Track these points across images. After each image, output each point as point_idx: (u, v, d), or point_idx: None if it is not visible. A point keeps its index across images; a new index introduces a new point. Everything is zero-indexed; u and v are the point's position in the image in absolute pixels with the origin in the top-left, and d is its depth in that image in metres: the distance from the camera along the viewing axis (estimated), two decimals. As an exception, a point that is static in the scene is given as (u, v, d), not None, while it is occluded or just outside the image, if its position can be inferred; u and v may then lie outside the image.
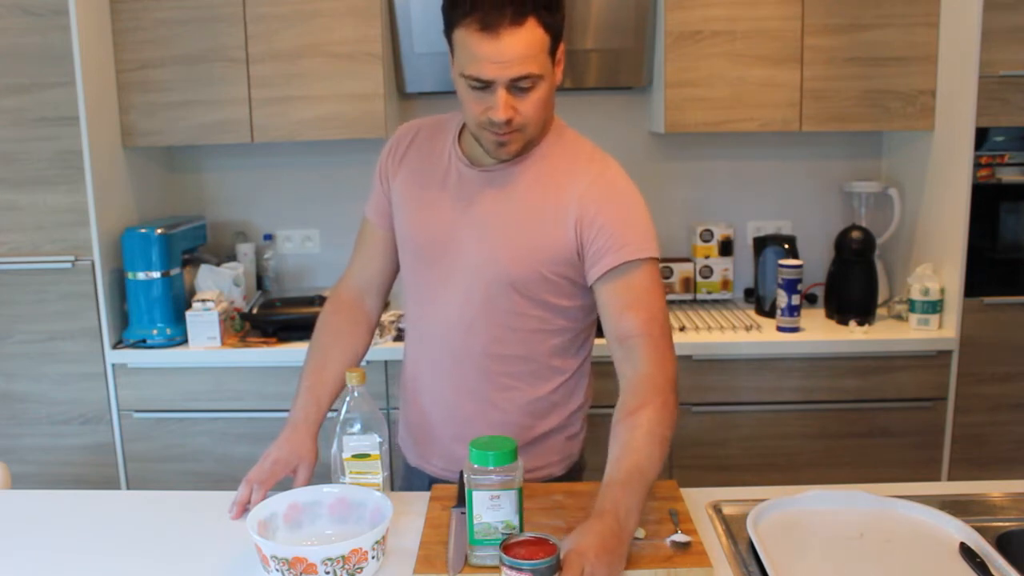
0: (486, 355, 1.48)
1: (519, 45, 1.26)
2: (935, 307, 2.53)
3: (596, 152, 1.46)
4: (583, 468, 1.65)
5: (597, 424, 2.48)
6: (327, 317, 1.60)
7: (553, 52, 1.33)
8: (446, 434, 1.54)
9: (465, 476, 1.19)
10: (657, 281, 1.39)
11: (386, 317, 2.56)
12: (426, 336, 1.54)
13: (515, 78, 1.29)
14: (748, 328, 2.59)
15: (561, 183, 1.41)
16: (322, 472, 1.44)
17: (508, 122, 1.32)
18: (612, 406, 2.66)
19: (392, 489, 1.52)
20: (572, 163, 1.43)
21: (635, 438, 1.27)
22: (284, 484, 1.41)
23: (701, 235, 2.89)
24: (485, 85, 1.30)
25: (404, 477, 1.67)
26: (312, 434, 1.47)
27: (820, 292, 2.81)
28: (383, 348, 2.46)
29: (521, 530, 1.20)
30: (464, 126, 1.49)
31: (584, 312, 1.49)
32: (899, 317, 2.68)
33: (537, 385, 1.50)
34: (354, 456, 1.38)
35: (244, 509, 1.38)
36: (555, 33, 1.31)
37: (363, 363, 2.45)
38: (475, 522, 1.19)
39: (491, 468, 1.17)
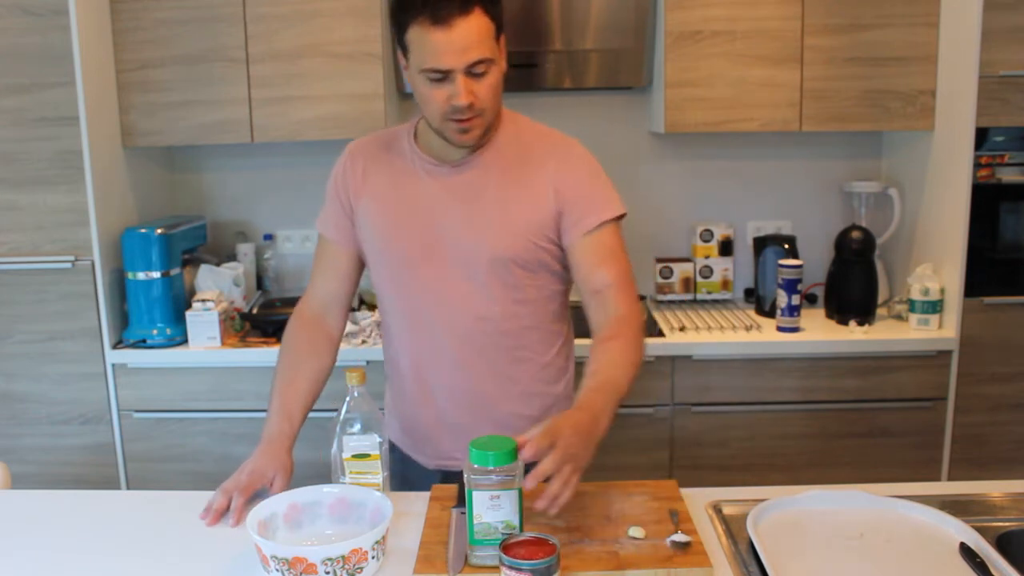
0: (499, 332, 1.54)
1: (470, 32, 1.36)
2: (935, 307, 2.53)
3: (554, 131, 1.58)
4: None
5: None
6: (293, 335, 1.64)
7: (498, 39, 1.43)
8: (472, 424, 1.56)
9: (465, 476, 1.19)
10: (622, 239, 1.54)
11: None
12: (427, 335, 1.56)
13: (471, 63, 1.38)
14: (748, 328, 2.59)
15: (533, 160, 1.53)
16: (322, 472, 1.44)
17: (470, 106, 1.40)
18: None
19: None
20: (538, 143, 1.55)
21: (610, 358, 1.43)
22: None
23: (701, 235, 2.89)
24: (444, 75, 1.38)
25: (406, 481, 1.67)
26: (287, 447, 1.50)
27: (820, 292, 2.81)
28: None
29: (521, 530, 1.20)
30: (415, 132, 1.58)
31: (568, 273, 1.59)
32: (899, 317, 2.68)
33: (546, 351, 1.60)
34: (354, 456, 1.38)
35: (220, 517, 1.39)
36: (498, 22, 1.42)
37: (363, 363, 2.45)
38: (475, 522, 1.19)
39: (491, 468, 1.17)
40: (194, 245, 2.75)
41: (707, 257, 2.89)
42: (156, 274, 2.51)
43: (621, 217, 1.53)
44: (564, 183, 1.50)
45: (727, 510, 1.39)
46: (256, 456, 1.47)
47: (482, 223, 1.50)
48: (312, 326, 1.64)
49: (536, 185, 1.50)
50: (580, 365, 2.28)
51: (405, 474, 1.67)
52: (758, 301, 2.80)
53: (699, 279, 2.90)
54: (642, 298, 2.65)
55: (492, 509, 1.18)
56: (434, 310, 1.54)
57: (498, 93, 1.45)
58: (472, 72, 1.38)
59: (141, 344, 2.52)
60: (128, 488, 2.58)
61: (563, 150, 1.54)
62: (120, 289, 2.57)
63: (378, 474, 1.40)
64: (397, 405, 1.69)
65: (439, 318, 1.54)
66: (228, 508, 1.40)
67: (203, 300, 2.53)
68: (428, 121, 1.48)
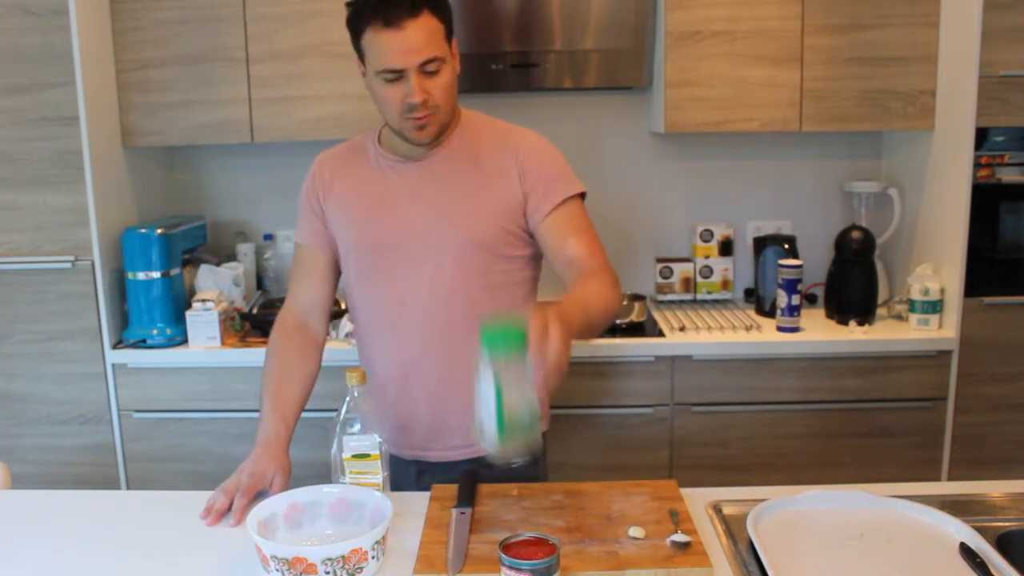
0: (470, 317, 1.55)
1: (420, 33, 1.43)
2: (935, 307, 2.53)
3: (511, 124, 1.65)
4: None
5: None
6: (278, 343, 1.66)
7: (448, 40, 1.49)
8: (444, 411, 1.60)
9: (486, 358, 1.17)
10: (587, 215, 1.59)
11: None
12: (400, 325, 1.60)
13: (423, 62, 1.44)
14: (748, 328, 2.59)
15: (495, 148, 1.59)
16: (322, 472, 1.44)
17: (424, 103, 1.46)
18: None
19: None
20: (497, 133, 1.62)
21: (584, 286, 1.47)
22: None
23: (701, 235, 2.89)
24: (398, 75, 1.45)
25: (411, 480, 1.68)
26: (284, 449, 1.51)
27: (820, 292, 2.81)
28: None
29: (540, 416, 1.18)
30: (380, 136, 1.64)
31: (536, 261, 1.65)
32: (899, 317, 2.67)
33: None
34: (354, 456, 1.38)
35: (221, 518, 1.40)
36: (448, 24, 1.49)
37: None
38: (504, 403, 1.15)
39: (509, 345, 1.16)
40: (194, 245, 2.75)
41: (707, 257, 2.89)
42: (156, 274, 2.51)
43: (583, 197, 1.59)
44: (528, 166, 1.56)
45: (727, 510, 1.39)
46: (255, 458, 1.48)
47: (449, 210, 1.55)
48: (296, 333, 1.67)
49: (501, 170, 1.56)
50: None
51: (411, 475, 1.68)
52: (758, 301, 2.80)
53: (699, 279, 2.90)
54: (642, 298, 2.65)
55: (519, 381, 1.16)
56: (405, 299, 1.58)
57: (452, 91, 1.52)
58: (425, 70, 1.45)
59: (141, 344, 2.52)
60: (128, 488, 2.58)
61: (523, 137, 1.61)
62: (120, 289, 2.56)
63: (378, 474, 1.40)
64: (382, 409, 1.69)
65: (410, 307, 1.58)
66: (229, 508, 1.40)
67: (203, 300, 2.53)
68: (387, 122, 1.55)
